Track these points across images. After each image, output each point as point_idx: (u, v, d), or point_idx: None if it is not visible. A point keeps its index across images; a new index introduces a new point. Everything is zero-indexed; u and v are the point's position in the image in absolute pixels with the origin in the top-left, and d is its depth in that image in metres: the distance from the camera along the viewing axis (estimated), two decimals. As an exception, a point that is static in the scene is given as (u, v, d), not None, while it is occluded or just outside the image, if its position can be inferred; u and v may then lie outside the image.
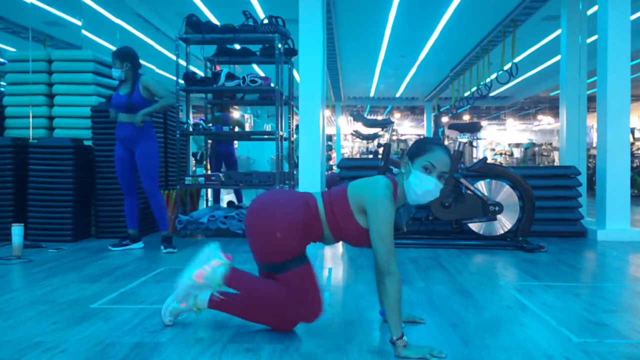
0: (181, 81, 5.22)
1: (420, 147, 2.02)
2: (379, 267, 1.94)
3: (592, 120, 12.98)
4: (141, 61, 4.38)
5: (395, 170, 4.32)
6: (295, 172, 6.69)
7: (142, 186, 4.27)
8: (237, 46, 5.87)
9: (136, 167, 4.28)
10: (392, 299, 1.90)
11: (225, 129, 5.46)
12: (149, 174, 4.23)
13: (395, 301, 1.90)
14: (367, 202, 1.98)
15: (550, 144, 21.90)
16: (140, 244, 4.35)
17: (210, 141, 6.52)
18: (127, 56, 4.16)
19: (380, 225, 1.94)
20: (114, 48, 9.85)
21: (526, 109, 21.62)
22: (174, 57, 5.54)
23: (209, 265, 2.14)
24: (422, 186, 1.98)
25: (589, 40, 6.69)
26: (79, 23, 7.62)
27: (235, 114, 8.78)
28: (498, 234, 4.49)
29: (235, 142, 6.83)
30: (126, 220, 4.36)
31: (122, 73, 4.15)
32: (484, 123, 24.42)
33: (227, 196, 9.00)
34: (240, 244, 4.57)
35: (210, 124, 5.91)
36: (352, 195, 2.04)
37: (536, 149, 20.54)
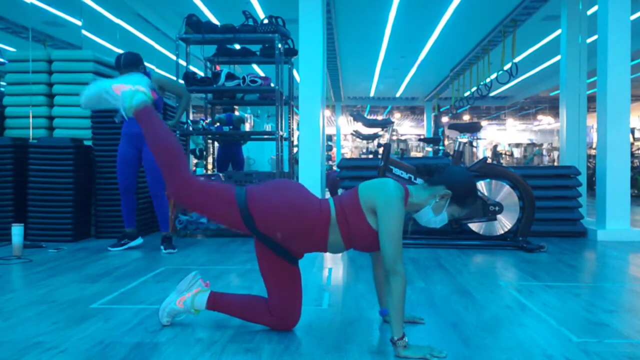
0: (181, 81, 5.22)
1: (468, 200, 2.08)
2: (385, 266, 1.94)
3: (592, 120, 13.00)
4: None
5: (403, 174, 4.32)
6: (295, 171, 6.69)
7: (147, 185, 4.24)
8: (237, 46, 5.87)
9: (139, 166, 4.26)
10: (396, 299, 1.90)
11: (226, 129, 5.47)
12: (155, 174, 4.17)
13: (399, 301, 1.90)
14: (378, 202, 1.96)
15: (551, 144, 21.92)
16: (139, 240, 4.34)
17: (210, 141, 6.52)
18: (140, 62, 4.17)
19: (390, 225, 1.93)
20: (114, 48, 9.92)
21: (526, 109, 21.64)
22: (174, 57, 5.54)
23: (133, 85, 2.13)
24: (438, 223, 2.10)
25: (589, 40, 6.69)
26: (79, 23, 7.63)
27: (237, 113, 8.83)
28: (498, 234, 4.49)
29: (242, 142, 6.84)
30: (124, 219, 4.34)
31: None
32: (484, 123, 24.43)
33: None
34: (240, 244, 4.57)
35: (217, 123, 5.91)
36: (364, 197, 2.01)
37: (536, 148, 20.56)
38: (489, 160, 4.75)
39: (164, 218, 4.26)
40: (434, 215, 2.07)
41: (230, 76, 5.18)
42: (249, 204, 2.01)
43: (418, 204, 2.06)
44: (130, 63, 4.11)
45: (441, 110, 18.41)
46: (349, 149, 23.99)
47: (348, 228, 2.02)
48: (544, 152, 20.12)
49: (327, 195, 7.93)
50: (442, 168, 2.13)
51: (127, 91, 2.12)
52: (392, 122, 4.73)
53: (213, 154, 6.67)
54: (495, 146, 21.35)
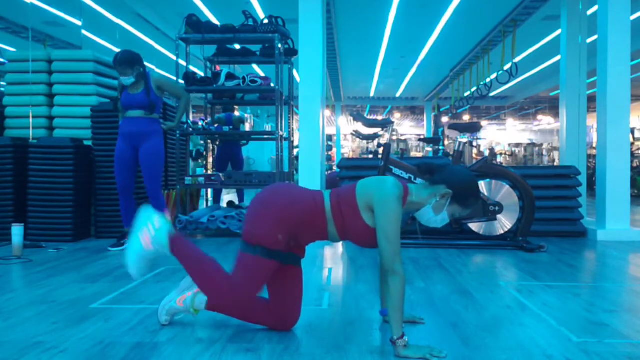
0: (181, 81, 5.22)
1: (470, 199, 2.06)
2: (383, 266, 1.93)
3: (592, 120, 13.00)
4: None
5: (403, 174, 4.32)
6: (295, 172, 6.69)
7: (145, 186, 4.23)
8: (237, 46, 5.87)
9: (137, 165, 4.25)
10: (395, 299, 1.90)
11: (226, 129, 5.47)
12: (152, 173, 4.15)
13: (398, 301, 1.90)
14: (375, 200, 1.96)
15: (551, 144, 21.93)
16: None
17: (210, 142, 6.52)
18: (136, 61, 4.12)
19: (388, 224, 1.92)
20: (114, 48, 9.92)
21: (526, 109, 21.64)
22: (174, 57, 5.54)
23: (151, 226, 2.13)
24: (438, 222, 2.09)
25: (589, 40, 6.69)
26: (79, 23, 7.63)
27: (237, 113, 8.83)
28: (498, 234, 4.49)
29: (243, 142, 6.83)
30: (123, 219, 4.34)
31: (134, 78, 4.13)
32: (484, 123, 24.43)
33: (227, 196, 9.00)
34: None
35: (216, 124, 5.91)
36: (361, 193, 2.01)
37: (536, 149, 20.57)
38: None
39: None
40: (435, 214, 2.06)
41: (230, 76, 5.18)
42: (263, 243, 2.00)
43: (418, 202, 2.05)
44: (125, 61, 4.09)
45: (441, 110, 18.41)
46: (349, 149, 23.98)
47: (343, 221, 2.02)
48: (544, 152, 20.14)
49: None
50: (443, 167, 2.11)
51: (154, 237, 2.11)
52: (392, 122, 4.73)
53: (213, 153, 6.66)
54: (492, 148, 21.36)
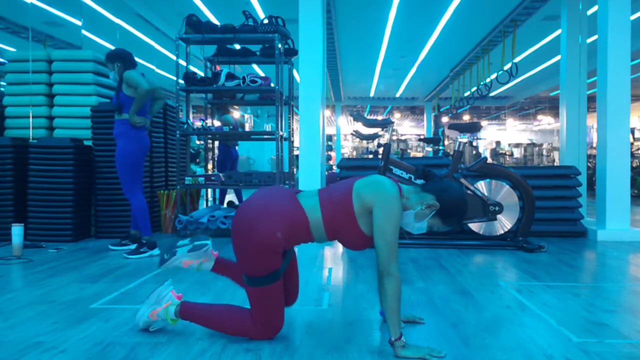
0: (181, 81, 5.22)
1: (453, 219, 2.03)
2: (378, 267, 1.92)
3: (592, 120, 12.99)
4: (141, 61, 4.36)
5: (403, 174, 4.32)
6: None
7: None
8: (237, 46, 5.87)
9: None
10: (390, 300, 1.89)
11: (225, 128, 5.47)
12: (120, 177, 4.03)
13: (394, 302, 1.89)
14: (375, 201, 1.92)
15: (551, 144, 21.93)
16: (156, 251, 4.06)
17: (210, 143, 6.53)
18: (117, 57, 4.08)
19: (386, 225, 1.90)
20: (114, 48, 9.92)
21: (526, 109, 21.64)
22: (174, 57, 5.54)
23: (161, 306, 2.13)
24: (415, 230, 2.05)
25: (589, 40, 6.69)
26: (79, 23, 7.62)
27: (236, 114, 8.83)
28: (498, 234, 4.49)
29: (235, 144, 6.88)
30: (131, 219, 4.30)
31: (115, 74, 4.10)
32: (484, 123, 24.42)
33: (227, 196, 8.99)
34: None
35: (212, 125, 5.92)
36: (358, 198, 1.96)
37: (536, 149, 20.57)
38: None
39: (142, 221, 4.05)
40: (415, 221, 2.03)
41: (230, 76, 5.18)
42: (263, 273, 1.96)
43: (404, 205, 2.02)
44: (107, 55, 4.12)
45: (441, 110, 18.40)
46: (349, 149, 23.97)
47: (334, 226, 1.98)
48: (544, 152, 20.14)
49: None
50: (439, 178, 2.09)
51: (160, 313, 2.11)
52: (392, 122, 4.73)
53: (213, 154, 6.67)
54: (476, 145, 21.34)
